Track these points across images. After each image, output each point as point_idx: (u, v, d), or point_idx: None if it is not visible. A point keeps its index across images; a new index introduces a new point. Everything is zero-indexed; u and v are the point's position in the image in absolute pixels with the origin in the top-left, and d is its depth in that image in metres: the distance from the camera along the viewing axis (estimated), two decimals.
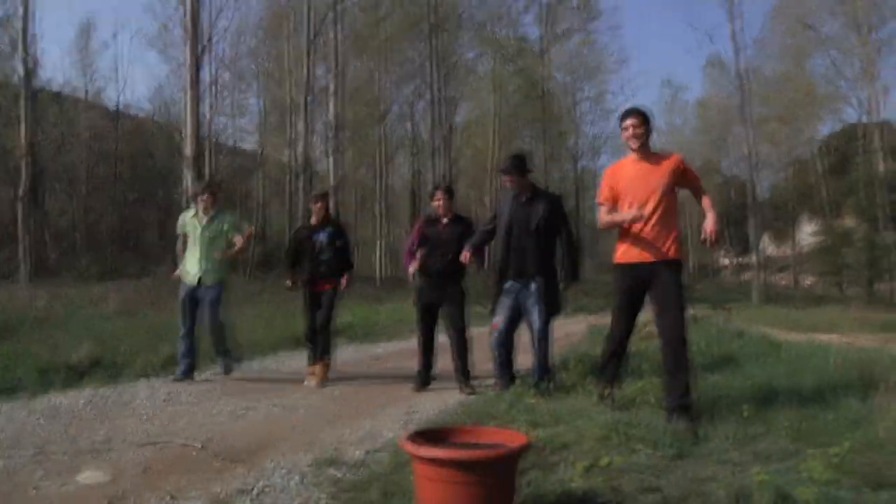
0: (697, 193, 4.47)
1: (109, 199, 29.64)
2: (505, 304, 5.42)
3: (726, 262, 58.25)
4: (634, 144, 4.26)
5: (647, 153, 4.28)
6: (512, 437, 2.91)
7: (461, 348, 6.10)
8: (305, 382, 6.55)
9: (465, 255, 5.58)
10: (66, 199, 28.54)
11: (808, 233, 42.82)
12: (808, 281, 43.93)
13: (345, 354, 8.77)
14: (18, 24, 18.67)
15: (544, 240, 5.38)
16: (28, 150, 17.15)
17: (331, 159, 22.74)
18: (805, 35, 28.58)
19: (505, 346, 5.50)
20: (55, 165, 27.58)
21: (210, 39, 22.80)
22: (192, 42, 16.54)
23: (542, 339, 5.33)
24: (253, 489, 3.25)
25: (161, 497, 3.15)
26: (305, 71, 22.90)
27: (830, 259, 32.56)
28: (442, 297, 6.12)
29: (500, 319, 5.43)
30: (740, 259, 52.39)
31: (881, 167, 26.74)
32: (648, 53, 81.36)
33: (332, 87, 22.57)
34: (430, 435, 2.93)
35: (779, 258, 52.85)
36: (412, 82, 31.57)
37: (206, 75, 23.66)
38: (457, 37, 30.45)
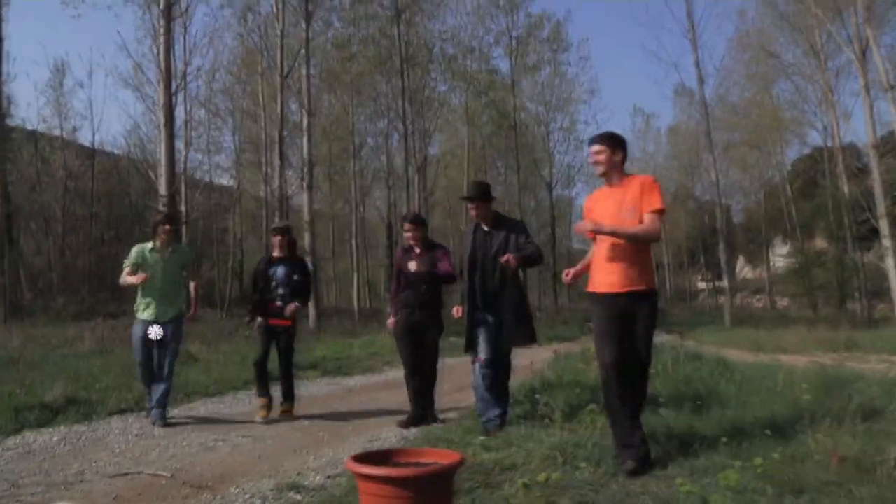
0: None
1: (85, 237, 29.66)
2: (482, 335, 5.25)
3: (703, 285, 58.96)
4: (598, 171, 4.14)
5: (615, 179, 4.10)
6: (449, 457, 3.14)
7: (430, 380, 6.06)
8: (257, 418, 6.32)
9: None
10: (41, 239, 28.51)
11: (780, 255, 43.60)
12: (783, 302, 44.59)
13: (316, 388, 8.92)
14: None
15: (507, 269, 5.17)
16: (2, 189, 17.19)
17: (305, 194, 22.92)
18: (769, 62, 29.38)
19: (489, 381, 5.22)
20: (30, 204, 27.64)
21: (184, 78, 23.03)
22: (165, 81, 16.81)
23: (486, 374, 5.16)
24: None
25: None
26: (279, 107, 23.17)
27: (802, 280, 33.16)
28: (420, 325, 6.05)
29: (482, 352, 5.23)
30: (716, 283, 53.13)
31: (846, 189, 27.40)
32: (617, 84, 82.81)
33: (304, 123, 22.81)
34: (375, 456, 3.13)
35: (754, 280, 53.61)
36: (385, 116, 31.98)
37: (181, 113, 23.88)
38: (428, 70, 30.94)
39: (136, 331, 6.41)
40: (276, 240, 6.88)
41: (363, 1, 26.30)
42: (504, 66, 34.91)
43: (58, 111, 31.31)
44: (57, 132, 31.36)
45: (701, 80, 24.85)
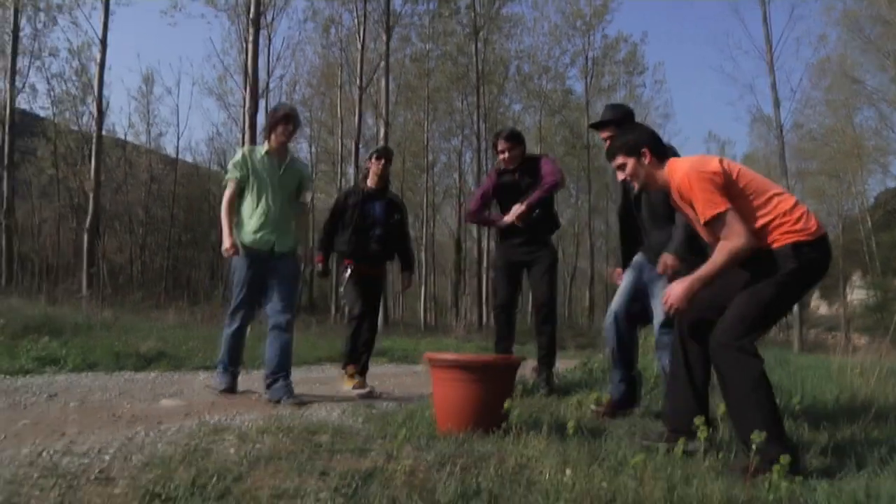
0: None
1: (164, 239, 30.85)
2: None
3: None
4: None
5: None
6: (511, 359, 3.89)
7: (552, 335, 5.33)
8: (353, 390, 5.46)
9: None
10: (123, 238, 29.77)
11: (858, 287, 42.10)
12: (860, 341, 42.95)
13: (384, 369, 9.18)
14: (94, 70, 19.98)
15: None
16: (96, 184, 18.16)
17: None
18: (851, 88, 28.71)
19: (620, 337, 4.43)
20: (114, 206, 28.94)
21: (267, 87, 23.89)
22: (252, 86, 17.47)
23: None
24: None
25: (224, 415, 3.76)
26: (357, 118, 23.82)
27: (879, 316, 31.97)
28: (532, 259, 5.36)
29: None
30: (787, 317, 51.53)
31: None
32: (692, 108, 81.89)
33: (381, 133, 23.34)
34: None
35: (829, 317, 51.80)
36: (459, 133, 32.43)
37: (261, 120, 24.70)
38: (503, 89, 31.31)
39: (241, 263, 4.92)
40: (378, 165, 5.79)
41: (442, 17, 26.82)
42: (579, 87, 35.05)
43: (145, 118, 32.83)
44: (143, 137, 32.95)
45: (777, 103, 24.46)
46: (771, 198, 3.19)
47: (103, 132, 25.06)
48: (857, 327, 42.83)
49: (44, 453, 2.74)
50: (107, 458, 2.71)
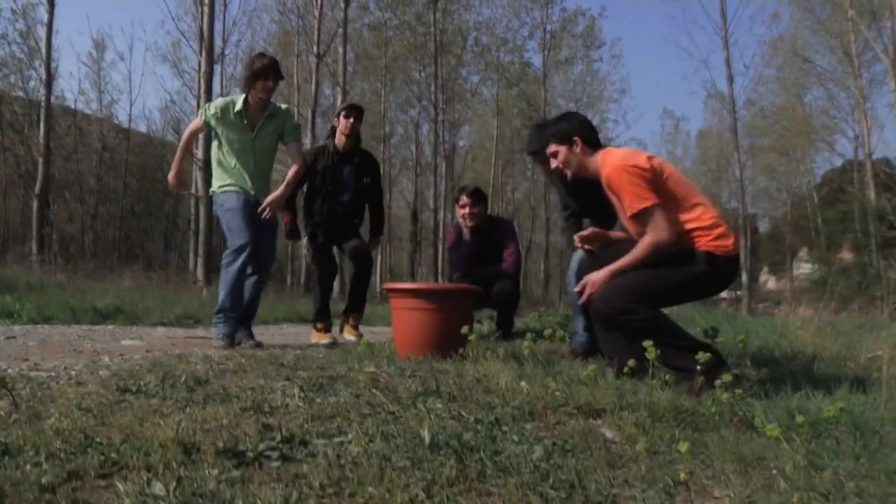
0: None
1: (116, 209, 30.26)
2: None
3: (724, 294, 58.56)
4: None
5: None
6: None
7: None
8: (343, 334, 5.57)
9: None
10: (74, 207, 29.12)
11: (805, 265, 43.31)
12: (806, 312, 44.08)
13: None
14: (42, 32, 19.37)
15: None
16: (46, 148, 17.71)
17: None
18: (801, 68, 29.36)
19: None
20: (65, 174, 28.26)
21: (223, 53, 23.51)
22: (208, 49, 17.19)
23: None
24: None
25: (184, 352, 3.78)
26: (313, 87, 23.59)
27: (823, 289, 32.94)
28: None
29: None
30: (738, 292, 52.82)
31: (873, 198, 27.30)
32: (648, 83, 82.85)
33: (339, 102, 23.15)
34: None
35: (777, 291, 53.20)
36: (416, 105, 32.31)
37: (216, 87, 24.30)
38: (461, 61, 31.22)
39: (231, 200, 4.70)
40: (347, 123, 5.38)
41: None
42: (537, 60, 35.15)
43: (97, 84, 31.98)
44: (95, 105, 32.11)
45: (730, 78, 24.91)
46: (695, 206, 3.30)
47: (52, 100, 24.51)
48: (802, 301, 44.16)
49: (9, 370, 2.78)
50: (73, 373, 2.76)
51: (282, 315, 10.22)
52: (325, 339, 5.31)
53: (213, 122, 4.72)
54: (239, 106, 4.66)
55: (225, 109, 4.70)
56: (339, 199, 5.38)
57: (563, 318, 7.44)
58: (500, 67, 32.17)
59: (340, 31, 22.70)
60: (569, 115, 3.66)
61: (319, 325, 5.50)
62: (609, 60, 39.34)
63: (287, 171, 4.90)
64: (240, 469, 1.46)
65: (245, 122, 4.69)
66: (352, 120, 5.37)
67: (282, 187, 4.81)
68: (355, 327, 5.58)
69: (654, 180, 3.23)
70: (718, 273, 3.30)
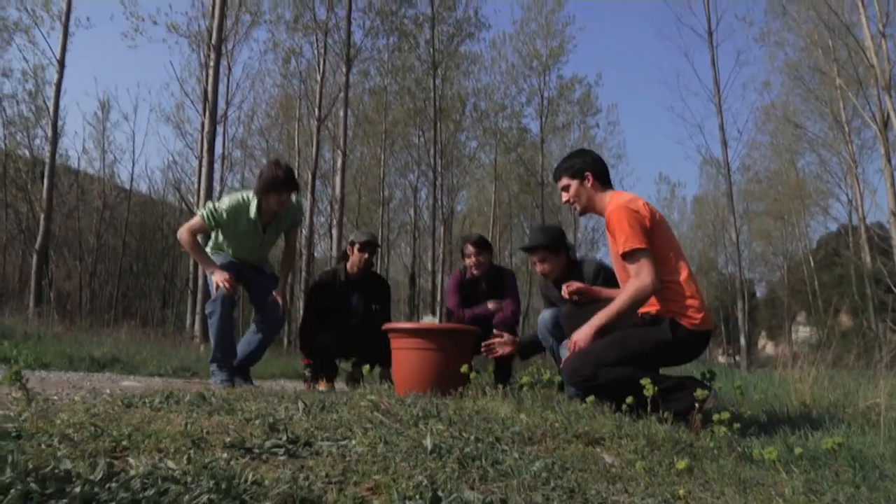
0: None
1: (115, 267, 30.32)
2: None
3: (723, 359, 58.27)
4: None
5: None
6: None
7: None
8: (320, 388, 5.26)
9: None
10: (72, 265, 29.18)
11: (803, 330, 43.23)
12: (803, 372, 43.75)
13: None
14: (49, 92, 19.76)
15: None
16: (48, 203, 17.86)
17: (334, 232, 23.46)
18: (794, 133, 29.90)
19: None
20: (64, 232, 28.40)
21: (226, 114, 23.95)
22: (211, 110, 17.49)
23: None
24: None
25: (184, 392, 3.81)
26: (314, 149, 23.98)
27: (820, 353, 32.78)
28: None
29: None
30: (737, 357, 52.58)
31: (868, 262, 27.47)
32: (644, 149, 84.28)
33: (339, 163, 23.45)
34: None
35: (776, 358, 52.85)
36: (415, 169, 32.72)
37: (218, 148, 24.67)
38: (461, 126, 31.76)
39: (218, 258, 4.71)
40: (362, 258, 5.39)
41: (402, 52, 27.26)
42: (534, 126, 35.71)
43: (100, 144, 32.43)
44: (97, 164, 32.49)
45: (724, 143, 25.38)
46: (679, 266, 3.37)
47: (56, 158, 24.83)
48: (801, 364, 43.89)
49: (10, 394, 2.80)
50: (77, 399, 2.78)
51: (279, 371, 10.19)
52: (324, 388, 5.24)
53: (212, 224, 4.62)
54: (253, 214, 4.59)
55: (237, 214, 4.60)
56: (347, 324, 5.32)
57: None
58: (498, 133, 32.70)
59: (342, 95, 23.14)
60: (583, 152, 3.72)
61: (322, 375, 5.40)
62: (605, 127, 40.10)
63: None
64: (247, 459, 1.49)
65: (258, 227, 4.66)
66: (366, 255, 5.40)
67: (281, 283, 4.86)
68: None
69: (651, 230, 3.29)
70: (682, 343, 3.33)
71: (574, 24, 36.99)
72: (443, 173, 29.94)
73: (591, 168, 3.51)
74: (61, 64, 18.33)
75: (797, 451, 2.66)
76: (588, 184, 3.49)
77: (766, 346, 57.73)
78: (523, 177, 34.67)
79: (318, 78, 23.85)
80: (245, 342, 4.74)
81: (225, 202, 4.61)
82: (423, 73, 28.46)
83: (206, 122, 17.86)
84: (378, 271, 5.77)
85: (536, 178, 32.97)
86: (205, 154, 17.71)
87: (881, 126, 22.07)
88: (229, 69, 24.39)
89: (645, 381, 3.12)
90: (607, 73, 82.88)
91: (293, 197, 4.72)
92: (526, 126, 34.14)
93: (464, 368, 3.40)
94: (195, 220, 4.62)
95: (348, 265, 5.43)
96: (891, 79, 21.45)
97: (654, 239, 3.30)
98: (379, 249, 5.60)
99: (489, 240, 5.70)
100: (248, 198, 4.61)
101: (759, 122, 32.64)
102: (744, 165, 34.71)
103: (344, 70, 23.10)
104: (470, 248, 5.33)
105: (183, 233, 4.56)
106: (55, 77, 18.61)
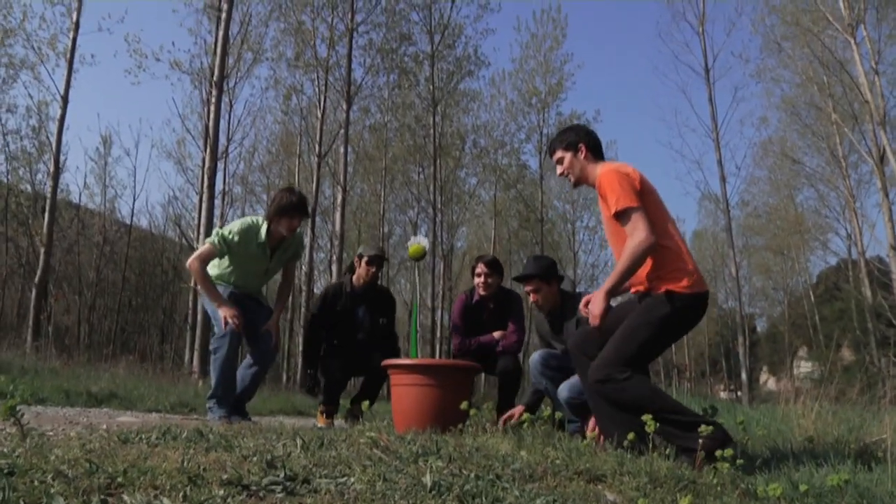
0: None
1: (114, 302, 30.27)
2: None
3: (724, 395, 57.91)
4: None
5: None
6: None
7: None
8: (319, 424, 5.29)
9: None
10: (72, 299, 29.14)
11: (805, 365, 43.01)
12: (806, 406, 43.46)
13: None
14: (52, 127, 19.91)
15: None
16: (48, 238, 17.88)
17: (334, 268, 23.47)
18: (791, 169, 30.08)
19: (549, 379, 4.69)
20: (64, 266, 28.40)
21: (227, 150, 24.09)
22: (212, 145, 17.59)
23: None
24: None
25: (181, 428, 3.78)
26: (314, 185, 24.08)
27: (822, 388, 32.60)
28: None
29: None
30: (738, 393, 52.26)
31: (869, 296, 27.44)
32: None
33: (339, 199, 23.55)
34: None
35: (778, 393, 52.52)
36: (415, 206, 32.83)
37: (219, 184, 24.75)
38: (460, 163, 31.93)
39: (226, 295, 4.63)
40: (369, 271, 5.42)
41: (402, 89, 27.50)
42: (534, 163, 35.94)
43: (101, 179, 32.60)
44: (98, 199, 32.64)
45: (723, 179, 25.46)
46: (668, 230, 3.42)
47: (58, 193, 24.97)
48: (804, 399, 43.57)
49: (3, 431, 2.77)
50: (72, 434, 2.75)
51: (277, 407, 10.11)
52: (323, 424, 5.22)
53: (223, 249, 4.61)
54: (263, 238, 4.63)
55: (247, 238, 4.62)
56: (354, 338, 5.34)
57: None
58: (497, 169, 32.84)
59: (342, 132, 23.30)
60: (576, 126, 3.81)
61: (322, 408, 5.38)
62: None
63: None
64: (244, 496, 1.46)
65: (266, 251, 4.69)
66: (374, 269, 5.42)
67: (275, 315, 4.85)
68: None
69: (641, 192, 3.34)
70: (684, 311, 3.33)
71: (572, 62, 37.30)
72: (442, 210, 30.04)
73: (585, 140, 3.62)
74: (65, 100, 18.49)
75: (802, 487, 2.62)
76: (581, 155, 3.58)
77: (768, 382, 57.32)
78: (523, 213, 34.74)
79: (319, 115, 24.02)
80: (240, 378, 4.71)
81: (236, 225, 4.65)
82: (423, 110, 28.69)
83: (207, 157, 17.94)
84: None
85: (536, 215, 33.07)
86: (205, 190, 17.77)
87: (877, 161, 22.21)
88: (231, 106, 24.61)
89: (646, 418, 3.10)
90: (606, 109, 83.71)
91: (297, 236, 4.83)
92: (525, 162, 34.34)
93: (464, 405, 3.37)
94: (205, 248, 4.62)
95: (354, 278, 5.44)
96: (885, 114, 21.69)
97: (644, 203, 3.33)
98: (386, 263, 5.60)
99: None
100: (258, 221, 4.68)
101: (757, 158, 32.83)
102: (742, 200, 34.88)
103: (344, 107, 23.30)
104: (482, 268, 5.30)
105: (193, 263, 4.54)
106: (58, 112, 18.78)
